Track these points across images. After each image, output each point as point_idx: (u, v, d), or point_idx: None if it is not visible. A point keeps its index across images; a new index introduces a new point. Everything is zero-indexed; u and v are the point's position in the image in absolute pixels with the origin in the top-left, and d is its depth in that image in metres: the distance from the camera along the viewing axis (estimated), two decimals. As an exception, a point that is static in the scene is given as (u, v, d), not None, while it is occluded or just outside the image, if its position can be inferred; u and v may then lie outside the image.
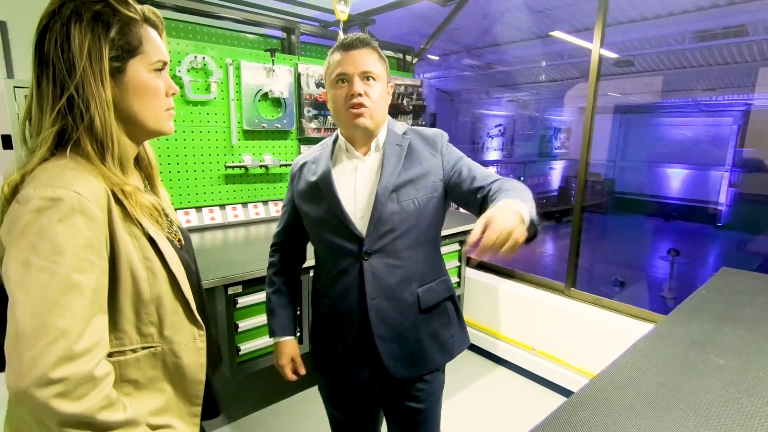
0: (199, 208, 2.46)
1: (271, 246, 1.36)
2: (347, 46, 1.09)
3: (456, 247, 2.77)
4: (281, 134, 2.70)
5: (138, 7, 0.76)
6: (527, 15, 4.68)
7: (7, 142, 2.51)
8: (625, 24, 4.72)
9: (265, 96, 2.57)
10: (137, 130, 0.79)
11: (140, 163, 0.88)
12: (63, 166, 0.68)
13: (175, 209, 2.35)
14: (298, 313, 1.39)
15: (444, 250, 1.34)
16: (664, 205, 9.44)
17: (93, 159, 0.71)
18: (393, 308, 1.14)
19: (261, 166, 2.61)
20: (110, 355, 0.70)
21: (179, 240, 0.88)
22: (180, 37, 2.44)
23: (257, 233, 2.45)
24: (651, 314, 2.31)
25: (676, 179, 9.39)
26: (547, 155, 10.61)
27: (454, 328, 1.25)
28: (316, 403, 2.46)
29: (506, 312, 2.84)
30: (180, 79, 2.24)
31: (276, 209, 2.74)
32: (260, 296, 1.89)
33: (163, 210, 0.84)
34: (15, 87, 2.60)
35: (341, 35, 2.45)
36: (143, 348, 0.77)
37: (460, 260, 2.83)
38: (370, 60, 1.09)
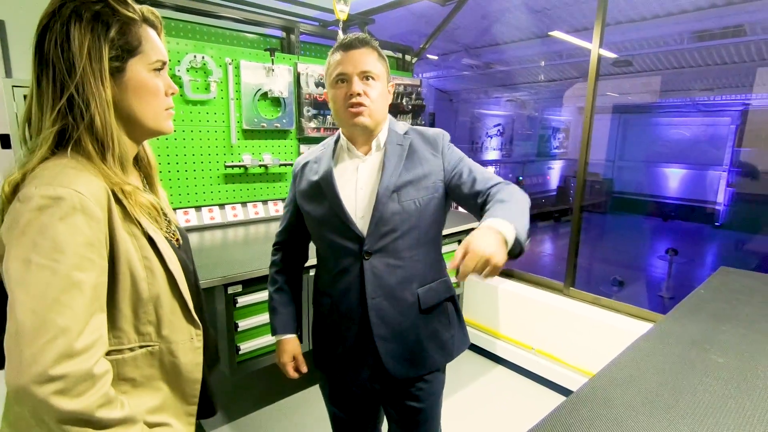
0: (198, 208, 2.45)
1: (274, 245, 1.37)
2: (346, 46, 1.10)
3: (456, 246, 2.77)
4: (281, 134, 2.70)
5: (137, 7, 0.77)
6: (526, 15, 4.69)
7: (6, 142, 2.50)
8: (623, 24, 4.73)
9: (264, 95, 2.57)
10: (137, 130, 0.80)
11: (139, 163, 0.89)
12: (64, 165, 0.69)
13: (175, 209, 2.35)
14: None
15: (444, 249, 1.35)
16: (662, 205, 9.47)
17: (93, 158, 0.72)
18: (393, 308, 1.14)
19: (260, 166, 2.61)
20: (108, 353, 0.71)
21: (177, 240, 0.89)
22: (179, 36, 2.44)
23: (257, 233, 2.45)
24: (650, 313, 2.32)
25: (674, 179, 9.42)
26: (546, 155, 10.63)
27: (454, 328, 1.25)
28: (315, 403, 2.46)
29: (505, 311, 2.84)
30: (179, 78, 2.24)
31: (275, 209, 2.74)
32: (260, 296, 1.89)
33: (161, 209, 0.84)
34: (13, 86, 2.59)
35: (341, 35, 2.46)
36: (141, 347, 0.77)
37: (459, 260, 2.83)
38: (369, 60, 1.09)
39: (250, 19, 2.62)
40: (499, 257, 0.82)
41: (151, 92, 0.78)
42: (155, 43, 0.78)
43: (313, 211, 1.19)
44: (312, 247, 1.34)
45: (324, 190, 1.15)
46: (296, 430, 2.28)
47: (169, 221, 0.88)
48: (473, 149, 9.67)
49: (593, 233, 8.27)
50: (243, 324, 1.85)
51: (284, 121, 2.66)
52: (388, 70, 1.17)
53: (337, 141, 1.22)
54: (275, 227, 2.63)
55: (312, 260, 1.35)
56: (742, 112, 8.06)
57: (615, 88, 8.08)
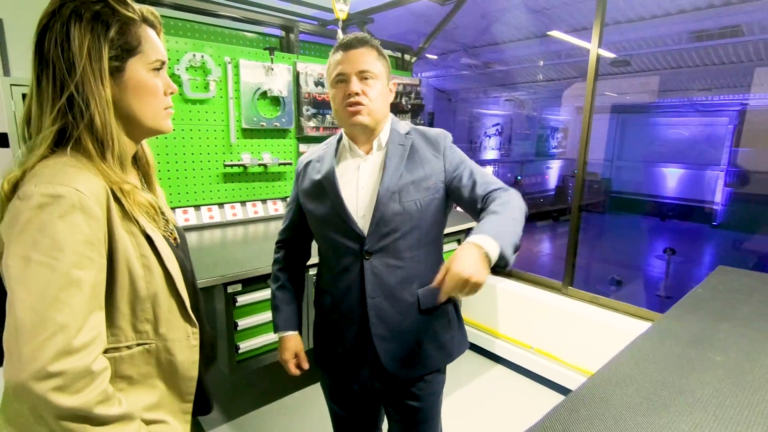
0: (197, 207, 2.45)
1: (277, 243, 1.37)
2: (345, 46, 1.11)
3: (454, 246, 2.78)
4: (280, 133, 2.70)
5: (137, 7, 0.77)
6: (525, 14, 4.69)
7: (4, 141, 2.49)
8: (622, 24, 4.74)
9: (263, 95, 2.57)
10: (136, 129, 0.80)
11: (138, 162, 0.89)
12: (64, 163, 0.69)
13: (174, 208, 2.35)
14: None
15: (444, 249, 1.35)
16: (660, 205, 9.50)
17: (93, 157, 0.72)
18: (392, 308, 1.14)
19: (260, 165, 2.61)
20: (105, 351, 0.71)
21: (175, 238, 0.89)
22: (179, 35, 2.43)
23: (256, 232, 2.45)
24: (648, 312, 2.33)
25: (672, 179, 9.45)
26: (544, 154, 10.65)
27: (454, 330, 1.25)
28: (315, 401, 2.46)
29: (504, 311, 2.85)
30: (179, 77, 2.23)
31: (275, 208, 2.74)
32: (259, 295, 1.89)
33: (159, 208, 0.85)
34: (12, 85, 2.58)
35: (340, 34, 2.46)
36: (138, 345, 0.78)
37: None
38: (367, 59, 1.10)
39: (249, 18, 2.62)
40: (479, 277, 0.83)
41: (151, 92, 0.78)
42: (155, 43, 0.79)
43: (315, 210, 1.19)
44: (314, 246, 1.34)
45: (326, 189, 1.16)
46: (296, 428, 2.28)
47: (167, 220, 0.88)
48: (472, 149, 9.67)
49: (591, 233, 8.29)
50: (242, 323, 1.86)
51: (283, 120, 2.65)
52: (389, 69, 1.17)
53: (339, 140, 1.22)
54: (274, 226, 2.64)
55: (315, 259, 1.36)
56: (740, 112, 8.08)
57: (613, 88, 8.11)
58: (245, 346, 1.88)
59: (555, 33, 4.89)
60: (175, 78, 2.23)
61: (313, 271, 1.47)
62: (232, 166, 2.51)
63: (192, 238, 2.25)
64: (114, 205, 0.72)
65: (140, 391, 0.78)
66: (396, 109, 3.17)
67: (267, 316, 1.93)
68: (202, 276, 1.67)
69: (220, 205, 2.53)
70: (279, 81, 2.58)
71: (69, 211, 0.65)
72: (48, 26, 0.70)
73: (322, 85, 2.77)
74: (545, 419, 0.86)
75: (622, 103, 8.83)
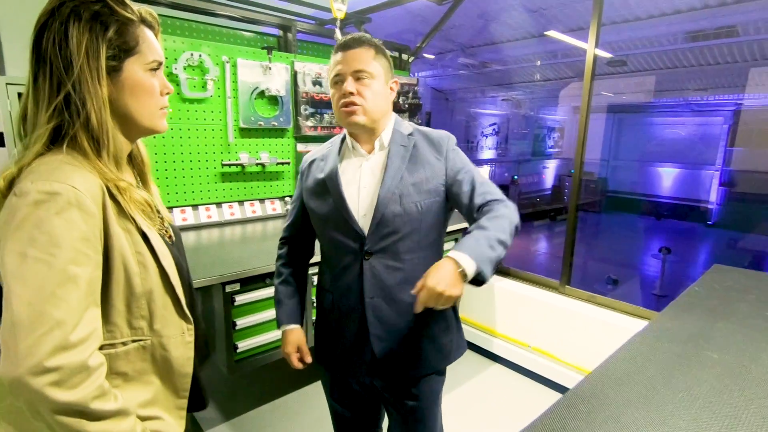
0: (195, 206, 2.45)
1: (280, 239, 1.38)
2: (343, 47, 1.12)
3: (452, 245, 2.78)
4: (278, 132, 2.70)
5: (135, 8, 0.78)
6: (522, 14, 4.70)
7: (0, 140, 2.47)
8: (618, 24, 4.76)
9: (261, 94, 2.56)
10: (132, 128, 0.81)
11: (133, 160, 0.90)
12: (60, 161, 0.70)
13: (172, 207, 2.35)
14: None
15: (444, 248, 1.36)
16: (655, 204, 9.54)
17: (89, 155, 0.73)
18: (390, 309, 1.15)
19: (258, 164, 2.61)
20: (101, 347, 0.72)
21: (170, 236, 0.90)
22: (176, 34, 2.43)
23: (254, 231, 2.45)
24: (645, 311, 2.34)
25: (667, 178, 9.50)
26: (541, 154, 10.67)
27: (452, 333, 1.26)
28: (313, 401, 2.47)
29: (502, 310, 2.86)
30: (176, 76, 2.23)
31: (272, 207, 2.74)
32: (258, 294, 1.89)
33: (155, 206, 0.86)
34: (7, 84, 2.56)
35: (338, 33, 2.46)
36: (133, 341, 0.78)
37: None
38: (363, 59, 1.10)
39: (246, 17, 2.61)
40: (452, 292, 0.89)
41: (147, 91, 0.79)
42: (152, 44, 0.80)
43: (318, 209, 1.20)
44: (317, 244, 1.35)
45: (329, 188, 1.16)
46: (294, 428, 2.28)
47: (162, 218, 0.89)
48: (469, 148, 9.67)
49: (587, 232, 8.33)
50: (241, 322, 1.85)
51: (281, 119, 2.65)
52: (389, 68, 1.17)
53: (343, 139, 1.22)
54: (272, 226, 2.64)
55: (316, 258, 1.36)
56: (735, 112, 8.13)
57: (609, 88, 8.14)
58: (243, 345, 1.88)
59: (552, 33, 4.91)
60: (172, 77, 2.22)
61: (312, 270, 1.46)
62: (230, 165, 2.50)
63: (190, 237, 2.25)
64: (110, 203, 0.73)
65: (135, 388, 0.79)
66: (393, 108, 3.17)
67: (265, 315, 1.93)
68: (200, 275, 1.67)
69: (218, 204, 2.53)
70: (277, 80, 2.58)
71: (65, 207, 0.66)
72: (46, 25, 0.71)
73: (320, 85, 2.77)
74: (545, 416, 0.87)
75: (618, 102, 8.87)
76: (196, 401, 0.94)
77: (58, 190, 0.66)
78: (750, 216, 7.94)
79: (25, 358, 0.60)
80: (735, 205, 8.41)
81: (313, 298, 1.80)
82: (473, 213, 1.10)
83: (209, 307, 1.93)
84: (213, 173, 2.48)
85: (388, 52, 1.18)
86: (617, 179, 10.06)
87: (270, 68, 2.54)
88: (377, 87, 1.12)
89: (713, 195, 8.69)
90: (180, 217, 2.37)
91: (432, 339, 1.20)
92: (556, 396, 2.46)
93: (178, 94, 2.26)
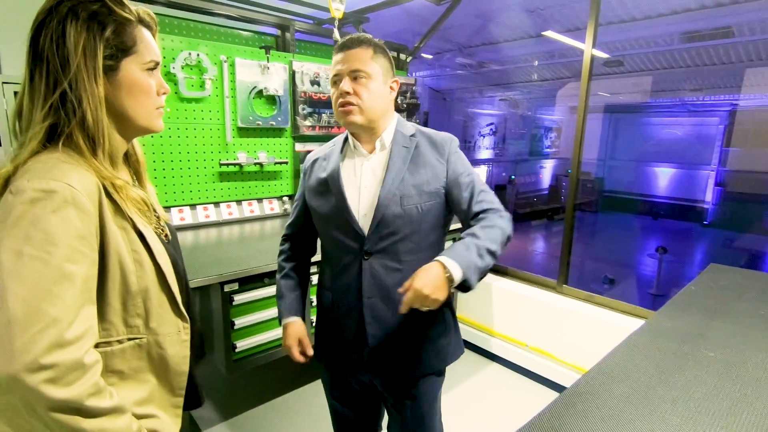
0: (193, 206, 2.44)
1: (282, 236, 1.39)
2: (342, 47, 1.13)
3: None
4: (276, 132, 2.70)
5: (133, 8, 0.79)
6: (520, 14, 4.71)
7: (-5, 138, 2.46)
8: (615, 24, 4.77)
9: (259, 93, 2.56)
10: (128, 127, 0.82)
11: (129, 159, 0.91)
12: (57, 159, 0.70)
13: (170, 207, 2.34)
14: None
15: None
16: (652, 204, 9.57)
17: (85, 153, 0.73)
18: (388, 309, 1.15)
19: (256, 164, 2.61)
20: (96, 345, 0.72)
21: (166, 235, 0.90)
22: (174, 33, 2.42)
23: (252, 231, 2.45)
24: (642, 310, 2.35)
25: (663, 178, 9.53)
26: (538, 154, 10.69)
27: (450, 335, 1.26)
28: (312, 400, 2.47)
29: (499, 309, 2.87)
30: (174, 75, 2.22)
31: (270, 207, 2.74)
32: (256, 293, 1.89)
33: (151, 205, 0.86)
34: (3, 83, 2.55)
35: (336, 33, 2.46)
36: (129, 339, 0.79)
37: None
38: (360, 58, 1.11)
39: (244, 17, 2.61)
40: (437, 296, 0.93)
41: (144, 91, 0.80)
42: (149, 44, 0.80)
43: (320, 208, 1.20)
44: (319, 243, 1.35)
45: (330, 187, 1.17)
46: (292, 428, 2.28)
47: (158, 217, 0.90)
48: (467, 148, 9.68)
49: (584, 232, 8.34)
50: (239, 322, 1.85)
51: (279, 119, 2.65)
52: (389, 68, 1.17)
53: (346, 139, 1.23)
54: (270, 225, 2.64)
55: (317, 257, 1.37)
56: (730, 113, 8.17)
57: (606, 88, 8.16)
58: (242, 345, 1.88)
59: (549, 33, 4.92)
60: (170, 76, 2.22)
61: (313, 270, 1.47)
62: (228, 165, 2.50)
63: (188, 237, 2.24)
64: (106, 201, 0.73)
65: (131, 386, 0.79)
66: (392, 108, 3.18)
67: (264, 314, 1.93)
68: (198, 275, 1.67)
69: (216, 204, 2.53)
70: (275, 80, 2.58)
71: (62, 206, 0.66)
72: (44, 23, 0.71)
73: (318, 84, 2.77)
74: (543, 414, 0.88)
75: (615, 103, 8.90)
76: (192, 399, 0.95)
77: (54, 188, 0.66)
78: (745, 216, 7.98)
79: (21, 356, 0.60)
80: (731, 205, 8.45)
81: (312, 297, 1.81)
82: (469, 219, 1.12)
83: (208, 307, 1.93)
84: (211, 173, 2.47)
85: (390, 52, 1.19)
86: (614, 179, 10.09)
87: (268, 68, 2.54)
88: (375, 87, 1.12)
89: (709, 195, 8.73)
90: (178, 217, 2.36)
91: (429, 340, 1.21)
92: (553, 395, 2.47)
93: (176, 93, 2.26)
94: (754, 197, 7.98)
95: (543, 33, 5.03)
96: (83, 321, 0.67)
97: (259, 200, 2.71)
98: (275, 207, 2.75)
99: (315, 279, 1.39)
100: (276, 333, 1.98)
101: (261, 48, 2.57)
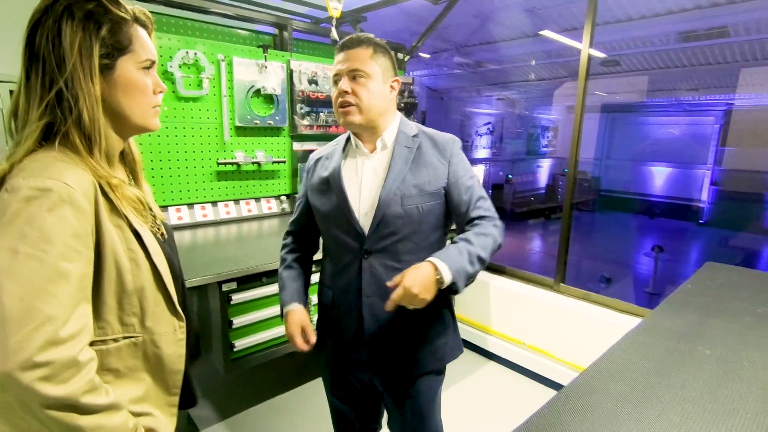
0: (191, 205, 2.44)
1: (285, 233, 1.39)
2: (342, 46, 1.14)
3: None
4: (274, 131, 2.69)
5: (129, 7, 0.79)
6: (517, 14, 4.72)
7: (-10, 137, 2.44)
8: (611, 24, 4.79)
9: (257, 92, 2.56)
10: (124, 126, 0.82)
11: (125, 158, 0.91)
12: (53, 157, 0.70)
13: (167, 206, 2.34)
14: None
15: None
16: (648, 203, 9.62)
17: (81, 152, 0.73)
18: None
19: (253, 163, 2.60)
20: (92, 344, 0.72)
21: (162, 234, 0.90)
22: (171, 32, 2.41)
23: (250, 230, 2.45)
24: (638, 308, 2.37)
25: (659, 177, 9.58)
26: (535, 153, 10.72)
27: (448, 335, 1.26)
28: (310, 400, 2.47)
29: (497, 308, 2.88)
30: (172, 74, 2.21)
31: (268, 206, 2.73)
32: (254, 293, 1.89)
33: (147, 203, 0.86)
34: (-1, 81, 2.53)
35: (334, 32, 2.45)
36: (125, 338, 0.79)
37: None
38: (359, 58, 1.11)
39: (242, 16, 2.60)
40: (425, 296, 0.95)
41: (140, 90, 0.80)
42: (145, 43, 0.81)
43: (322, 206, 1.21)
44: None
45: (332, 186, 1.17)
46: (291, 427, 2.28)
47: (154, 216, 0.90)
48: (464, 148, 9.67)
49: (581, 231, 8.37)
50: (237, 321, 1.85)
51: (277, 118, 2.65)
52: (390, 67, 1.17)
53: (348, 138, 1.23)
54: (268, 225, 2.63)
55: (319, 255, 1.38)
56: (726, 112, 8.23)
57: (603, 88, 8.19)
58: (240, 344, 1.88)
59: (546, 32, 4.93)
60: (168, 75, 2.21)
61: (314, 268, 1.47)
62: (225, 164, 2.49)
63: (185, 236, 2.24)
64: (102, 200, 0.74)
65: (127, 384, 0.79)
66: (389, 107, 3.17)
67: (262, 314, 1.93)
68: (196, 274, 1.67)
69: (214, 203, 2.52)
70: (273, 79, 2.58)
71: (57, 204, 0.66)
72: (40, 22, 0.72)
73: (316, 83, 2.76)
74: (541, 412, 0.88)
75: (611, 102, 8.93)
76: (187, 398, 0.95)
77: (50, 187, 0.66)
78: (741, 215, 8.04)
79: (15, 353, 0.60)
80: (726, 204, 8.51)
81: (312, 296, 1.81)
82: (464, 224, 1.15)
83: (206, 306, 1.93)
84: (208, 172, 2.47)
85: (391, 52, 1.19)
86: (610, 178, 10.13)
87: (266, 67, 2.53)
88: (374, 86, 1.12)
89: (705, 194, 8.78)
90: (175, 216, 2.36)
91: (427, 340, 1.21)
92: (551, 393, 2.48)
93: (173, 92, 2.25)
94: (750, 196, 8.04)
95: (540, 32, 5.04)
96: (78, 319, 0.67)
97: (257, 199, 2.70)
98: (273, 206, 2.75)
99: (315, 278, 1.39)
100: (274, 332, 1.98)
101: (259, 47, 2.56)
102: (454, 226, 1.25)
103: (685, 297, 1.46)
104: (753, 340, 1.15)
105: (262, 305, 1.93)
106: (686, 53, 5.70)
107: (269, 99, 2.62)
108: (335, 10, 2.35)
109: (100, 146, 0.75)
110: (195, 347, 0.99)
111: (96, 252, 0.72)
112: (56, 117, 0.72)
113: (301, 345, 1.22)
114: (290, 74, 2.66)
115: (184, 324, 0.88)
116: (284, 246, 1.37)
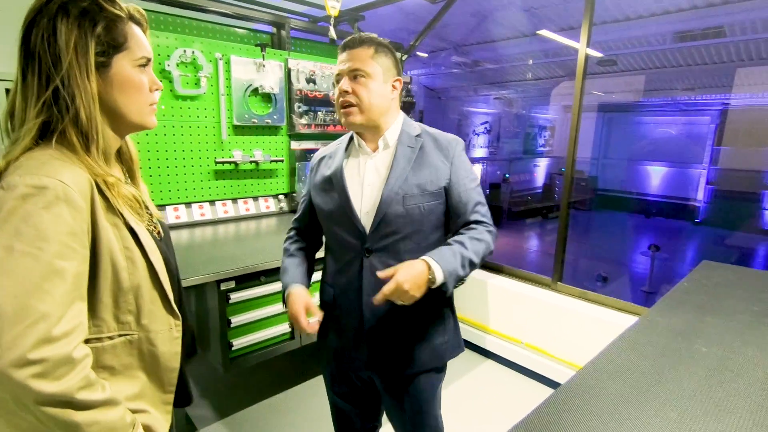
0: (188, 204, 2.43)
1: (289, 228, 1.40)
2: (344, 46, 1.14)
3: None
4: (271, 130, 2.69)
5: (123, 5, 0.79)
6: (515, 13, 4.73)
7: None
8: (608, 23, 4.81)
9: (255, 91, 2.55)
10: (121, 124, 0.82)
11: (121, 156, 0.91)
12: (49, 155, 0.70)
13: (165, 205, 2.33)
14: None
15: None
16: (644, 202, 9.66)
17: (77, 150, 0.73)
18: (387, 307, 1.15)
19: (251, 162, 2.60)
20: (87, 341, 0.72)
21: (158, 232, 0.91)
22: (169, 30, 2.41)
23: (248, 229, 2.44)
24: (635, 307, 2.38)
25: (656, 176, 9.62)
26: (532, 153, 10.74)
27: (448, 334, 1.26)
28: (309, 399, 2.47)
29: (495, 306, 2.88)
30: (169, 73, 2.21)
31: (266, 205, 2.73)
32: (253, 292, 1.89)
33: (143, 202, 0.86)
34: (-5, 80, 2.52)
35: (332, 31, 2.45)
36: (120, 335, 0.79)
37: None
38: (360, 58, 1.11)
39: (239, 14, 2.60)
40: (414, 293, 0.98)
41: (136, 87, 0.80)
42: (140, 40, 0.81)
43: (324, 205, 1.21)
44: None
45: (334, 185, 1.18)
46: (289, 426, 2.28)
47: (150, 214, 0.90)
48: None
49: (577, 230, 8.40)
50: (236, 320, 1.85)
51: (275, 117, 2.64)
52: (391, 66, 1.16)
53: (352, 137, 1.24)
54: (266, 224, 2.63)
55: (320, 254, 1.38)
56: (722, 112, 8.27)
57: (600, 87, 8.22)
58: (239, 343, 1.88)
59: (544, 32, 4.94)
60: (165, 74, 2.21)
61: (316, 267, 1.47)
62: (223, 163, 2.49)
63: (183, 235, 2.24)
64: (98, 198, 0.74)
65: (122, 382, 0.80)
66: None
67: (260, 313, 1.93)
68: (195, 273, 1.66)
69: (212, 202, 2.52)
70: (270, 78, 2.57)
71: (53, 202, 0.66)
72: (35, 21, 0.72)
73: (314, 82, 2.76)
74: (539, 409, 0.88)
75: (608, 102, 8.96)
76: (182, 396, 0.95)
77: (46, 185, 0.66)
78: (736, 214, 8.09)
79: (9, 351, 0.60)
80: (722, 203, 8.55)
81: (313, 294, 1.81)
82: (460, 226, 1.17)
83: (204, 305, 1.92)
84: (206, 171, 2.46)
85: (394, 51, 1.18)
86: (607, 177, 10.17)
87: (264, 65, 2.53)
88: (374, 86, 1.12)
89: (701, 193, 8.83)
90: (173, 215, 2.35)
91: (426, 339, 1.21)
92: (548, 391, 2.49)
93: (171, 91, 2.25)
94: (745, 195, 8.08)
95: (538, 32, 5.05)
96: (73, 317, 0.67)
97: (255, 198, 2.70)
98: (271, 205, 2.75)
99: (317, 276, 1.39)
100: (273, 331, 1.98)
101: (256, 45, 2.56)
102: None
103: (681, 295, 1.47)
104: (749, 337, 1.17)
105: (261, 304, 1.93)
106: (682, 53, 5.72)
107: (267, 98, 2.62)
108: (333, 8, 2.35)
109: (97, 144, 0.75)
110: (191, 345, 0.99)
111: (92, 250, 0.72)
112: (53, 115, 0.72)
113: (305, 326, 1.15)
114: (288, 73, 2.66)
115: (179, 322, 0.88)
116: (288, 238, 1.38)
